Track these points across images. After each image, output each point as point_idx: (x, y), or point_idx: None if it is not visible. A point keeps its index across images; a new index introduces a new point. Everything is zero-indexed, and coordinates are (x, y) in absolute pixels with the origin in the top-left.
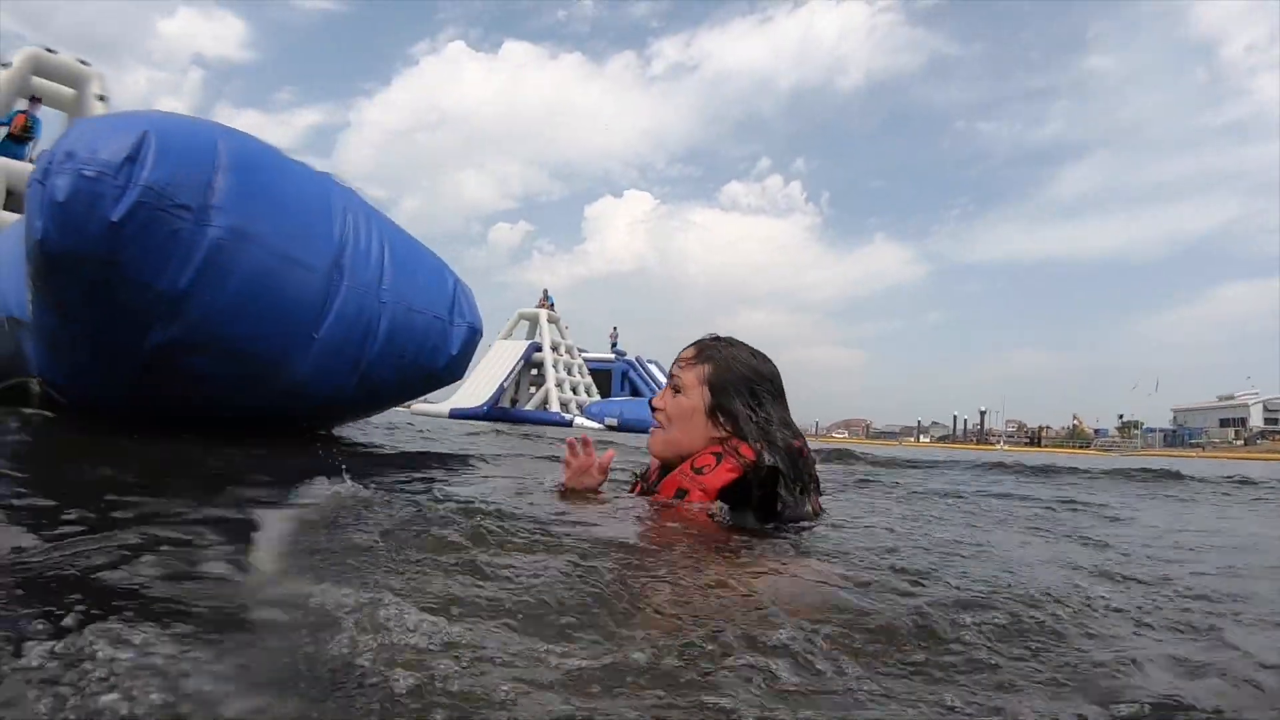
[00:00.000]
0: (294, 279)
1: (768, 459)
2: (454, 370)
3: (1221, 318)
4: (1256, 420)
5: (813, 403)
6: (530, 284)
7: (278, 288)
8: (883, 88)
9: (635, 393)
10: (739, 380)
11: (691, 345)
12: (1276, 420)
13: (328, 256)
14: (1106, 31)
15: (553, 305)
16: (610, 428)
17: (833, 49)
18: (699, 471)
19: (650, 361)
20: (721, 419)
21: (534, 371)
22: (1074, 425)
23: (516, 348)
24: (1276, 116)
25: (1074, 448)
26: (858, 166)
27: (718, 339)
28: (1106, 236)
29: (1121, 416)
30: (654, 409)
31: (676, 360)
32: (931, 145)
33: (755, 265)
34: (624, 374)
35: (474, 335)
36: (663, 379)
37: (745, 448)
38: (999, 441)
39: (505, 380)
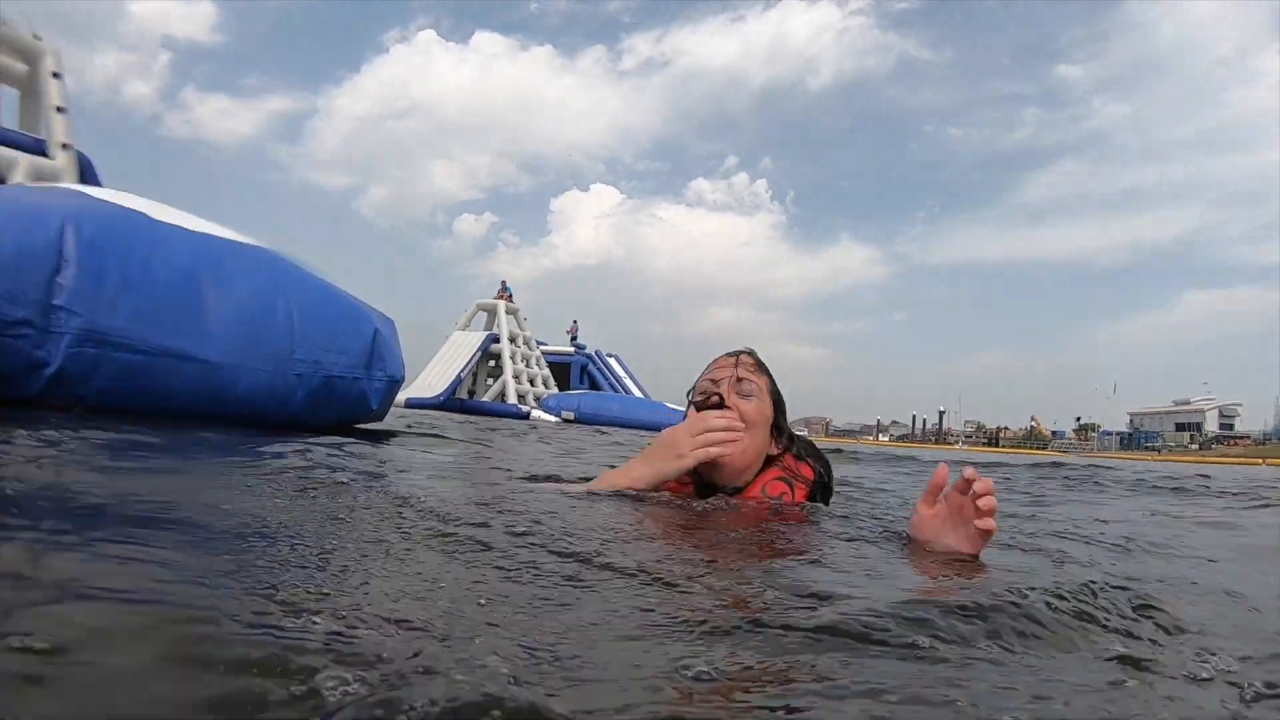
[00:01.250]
0: (175, 372)
1: (821, 472)
2: (376, 418)
3: (1181, 324)
4: (1211, 425)
5: (786, 398)
6: (495, 276)
7: (156, 387)
8: (852, 90)
9: (594, 386)
10: (782, 398)
11: (740, 354)
12: (1231, 425)
13: (217, 338)
14: (1077, 41)
15: (511, 296)
16: (567, 421)
17: (803, 50)
18: (779, 500)
19: (610, 355)
20: (775, 435)
21: (491, 363)
22: (1032, 427)
23: (474, 339)
24: (1243, 130)
25: (1031, 448)
26: (825, 167)
27: (753, 352)
28: (1071, 242)
29: (1079, 419)
30: (721, 408)
31: (734, 365)
32: (899, 148)
33: (721, 262)
34: (583, 367)
35: (394, 385)
36: (622, 373)
37: (804, 467)
38: (957, 441)
39: (462, 371)
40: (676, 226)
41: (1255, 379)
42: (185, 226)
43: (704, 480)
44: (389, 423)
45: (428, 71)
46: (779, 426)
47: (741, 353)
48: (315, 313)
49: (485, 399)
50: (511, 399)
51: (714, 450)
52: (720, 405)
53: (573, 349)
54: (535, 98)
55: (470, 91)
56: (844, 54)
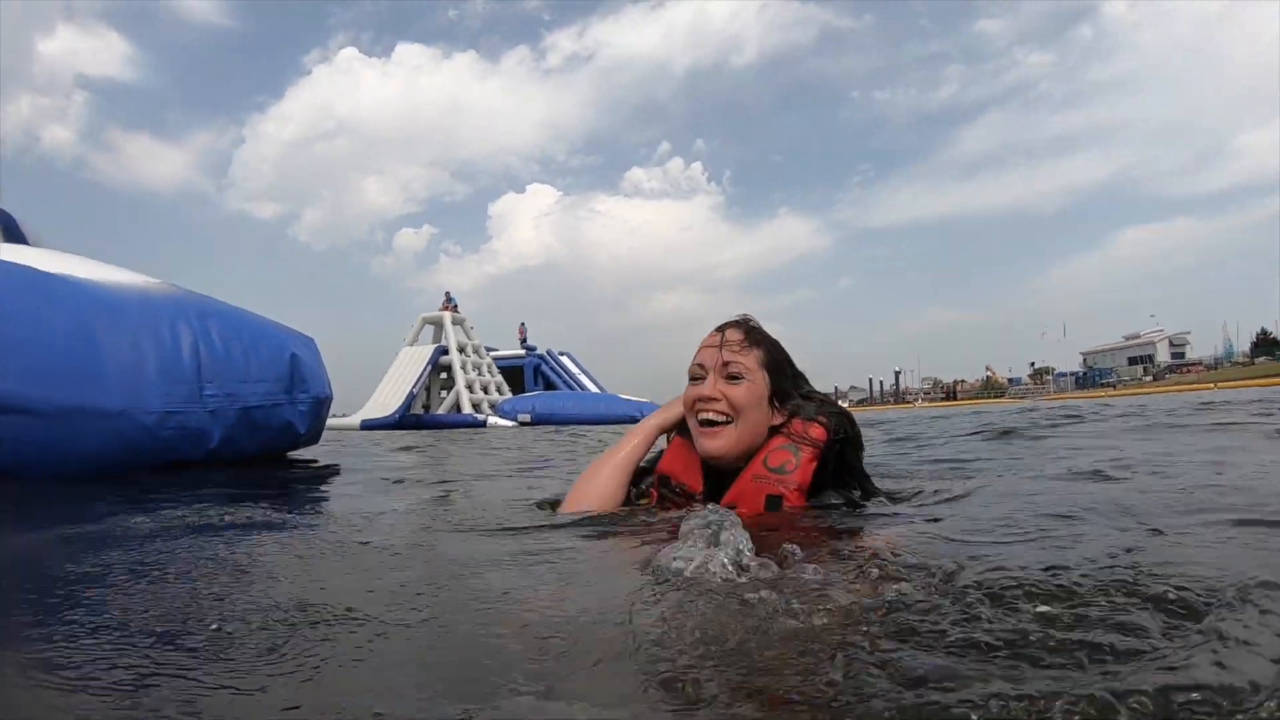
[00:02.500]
0: (77, 428)
1: (836, 429)
2: (309, 441)
3: (1123, 261)
4: (1163, 356)
5: None
6: (440, 288)
7: (58, 446)
8: (777, 64)
9: (549, 386)
10: (786, 361)
11: (729, 328)
12: (1182, 354)
13: (118, 386)
14: None
15: (456, 307)
16: (524, 423)
17: (725, 29)
18: (782, 470)
19: (562, 354)
20: (779, 404)
21: (443, 375)
22: (988, 377)
23: (423, 353)
24: (1163, 67)
25: (989, 398)
26: (757, 143)
27: (747, 320)
28: (1006, 192)
29: (1033, 364)
30: (706, 401)
31: (720, 346)
32: (829, 117)
33: (664, 249)
34: (536, 368)
35: (321, 405)
36: (576, 370)
37: (814, 428)
38: (916, 399)
39: (414, 387)
40: (616, 218)
41: (1201, 306)
42: (76, 275)
43: (709, 466)
44: (326, 452)
45: (352, 89)
46: (781, 394)
47: (729, 325)
48: (224, 344)
49: (440, 412)
50: (466, 409)
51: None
52: (708, 399)
53: (524, 351)
54: (462, 105)
55: (397, 105)
56: (766, 30)
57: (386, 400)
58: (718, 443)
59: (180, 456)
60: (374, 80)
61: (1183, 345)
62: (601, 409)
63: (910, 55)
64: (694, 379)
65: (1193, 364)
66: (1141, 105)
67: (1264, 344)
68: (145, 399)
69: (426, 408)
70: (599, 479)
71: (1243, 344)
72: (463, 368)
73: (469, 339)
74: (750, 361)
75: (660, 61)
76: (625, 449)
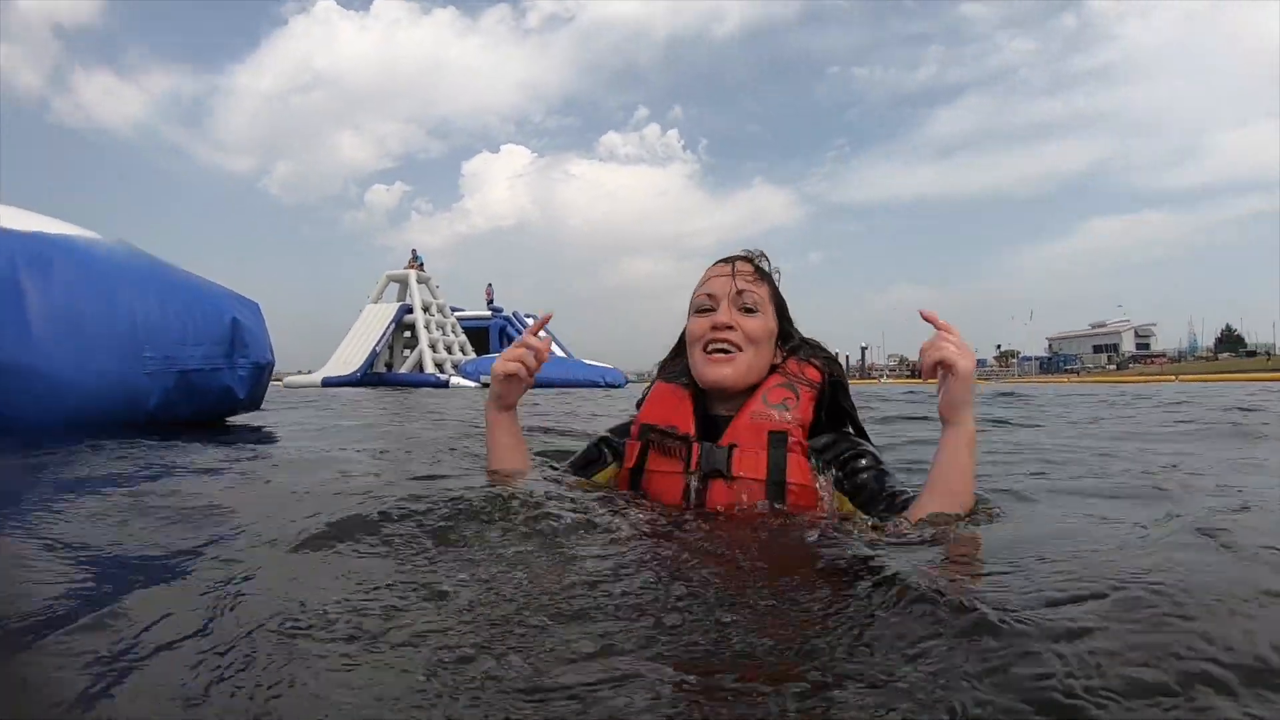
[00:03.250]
0: (7, 390)
1: (828, 371)
2: (249, 406)
3: (1094, 250)
4: (1129, 346)
5: None
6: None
7: None
8: (758, 35)
9: None
10: (784, 302)
11: (738, 260)
12: (1147, 345)
13: (47, 344)
14: None
15: (422, 265)
16: (485, 385)
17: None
18: (783, 406)
19: (528, 316)
20: (780, 343)
21: (407, 334)
22: None
23: (386, 311)
24: (1144, 61)
25: None
26: (734, 113)
27: (752, 254)
28: (981, 175)
29: (999, 346)
30: (721, 329)
31: (731, 275)
32: (807, 91)
33: (636, 215)
34: (501, 330)
35: (261, 371)
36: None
37: (808, 369)
38: (881, 376)
39: (377, 345)
40: (590, 182)
41: (1168, 299)
42: (7, 227)
43: (705, 402)
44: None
45: (330, 42)
46: (784, 333)
47: (739, 258)
48: (163, 306)
49: (403, 370)
50: (429, 368)
51: (510, 366)
52: (723, 327)
53: (490, 312)
54: (440, 61)
55: (374, 59)
56: (748, 2)
57: (349, 357)
58: (727, 370)
59: (115, 419)
60: (352, 33)
61: (1148, 337)
62: (565, 373)
63: (892, 34)
64: (702, 310)
65: (1157, 355)
66: (1121, 97)
67: (1228, 340)
68: (78, 358)
69: (389, 366)
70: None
71: (1208, 339)
72: (426, 327)
73: (434, 298)
74: (763, 294)
75: (641, 26)
76: (497, 435)
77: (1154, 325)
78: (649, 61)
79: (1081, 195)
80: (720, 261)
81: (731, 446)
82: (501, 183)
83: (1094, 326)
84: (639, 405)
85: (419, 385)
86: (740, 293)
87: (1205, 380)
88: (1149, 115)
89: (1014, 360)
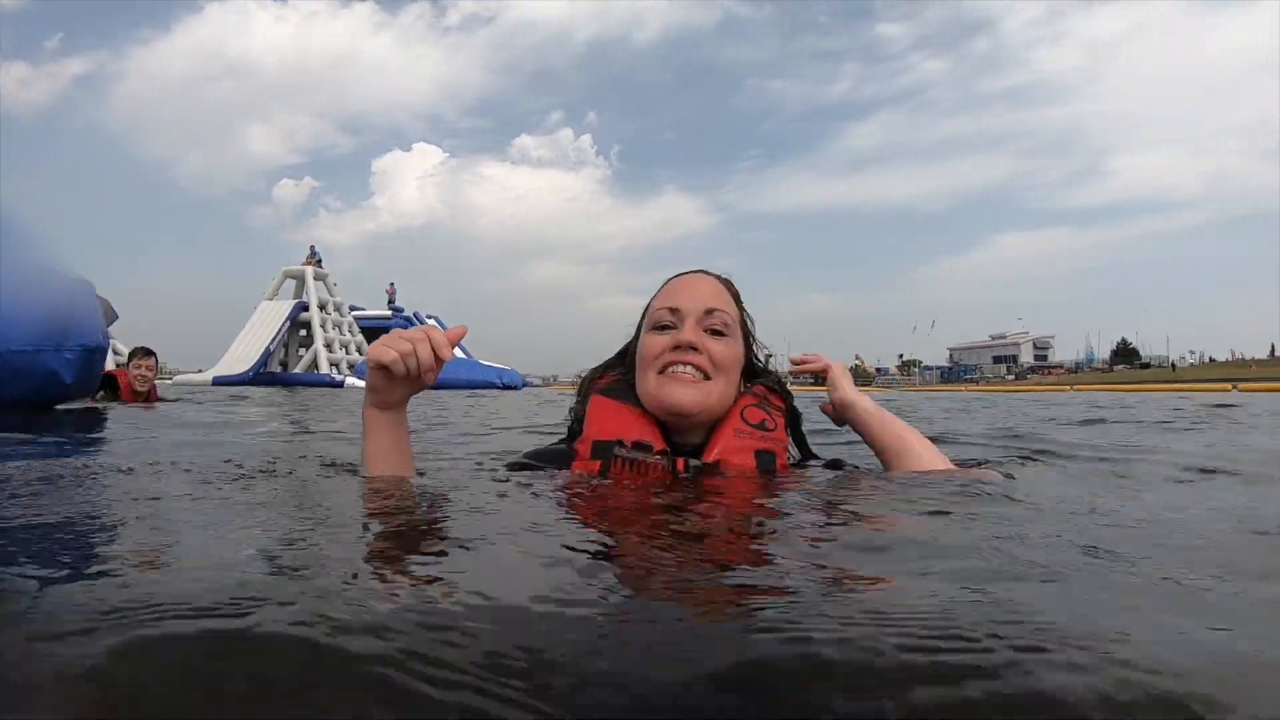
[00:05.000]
0: None
1: (791, 404)
2: (79, 392)
3: (996, 265)
4: (1027, 357)
5: (606, 350)
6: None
7: None
8: (677, 44)
9: None
10: (750, 328)
11: (707, 276)
12: (1045, 357)
13: None
14: (894, 1)
15: (320, 262)
16: None
17: (630, 4)
18: (763, 426)
19: (430, 316)
20: (745, 376)
21: (303, 332)
22: (856, 364)
23: (282, 308)
24: (1052, 85)
25: (858, 385)
26: (650, 120)
27: (719, 275)
28: (891, 189)
29: (901, 356)
30: (687, 348)
31: (695, 289)
32: (723, 101)
33: (546, 218)
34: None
35: (91, 355)
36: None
37: (773, 397)
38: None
39: (271, 343)
40: (501, 184)
41: (1067, 312)
42: None
43: (670, 433)
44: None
45: (245, 30)
46: (750, 366)
47: (701, 271)
48: None
49: (298, 370)
50: (324, 368)
51: (387, 354)
52: (686, 348)
53: (390, 312)
54: (355, 56)
55: (289, 51)
56: (670, 9)
57: (242, 355)
58: (692, 394)
59: None
60: (268, 23)
61: (1046, 348)
62: (462, 374)
63: (809, 49)
64: (661, 326)
65: (1054, 367)
66: (1028, 119)
67: (1123, 353)
68: None
69: (284, 365)
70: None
71: (1104, 352)
72: (322, 325)
73: (331, 296)
74: (734, 317)
75: (562, 29)
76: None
77: (1052, 337)
78: (567, 65)
79: (987, 211)
80: (687, 273)
81: (716, 464)
82: (412, 182)
83: (994, 338)
84: (573, 424)
85: (313, 385)
86: (710, 311)
87: (1098, 389)
88: (1055, 137)
89: (915, 369)
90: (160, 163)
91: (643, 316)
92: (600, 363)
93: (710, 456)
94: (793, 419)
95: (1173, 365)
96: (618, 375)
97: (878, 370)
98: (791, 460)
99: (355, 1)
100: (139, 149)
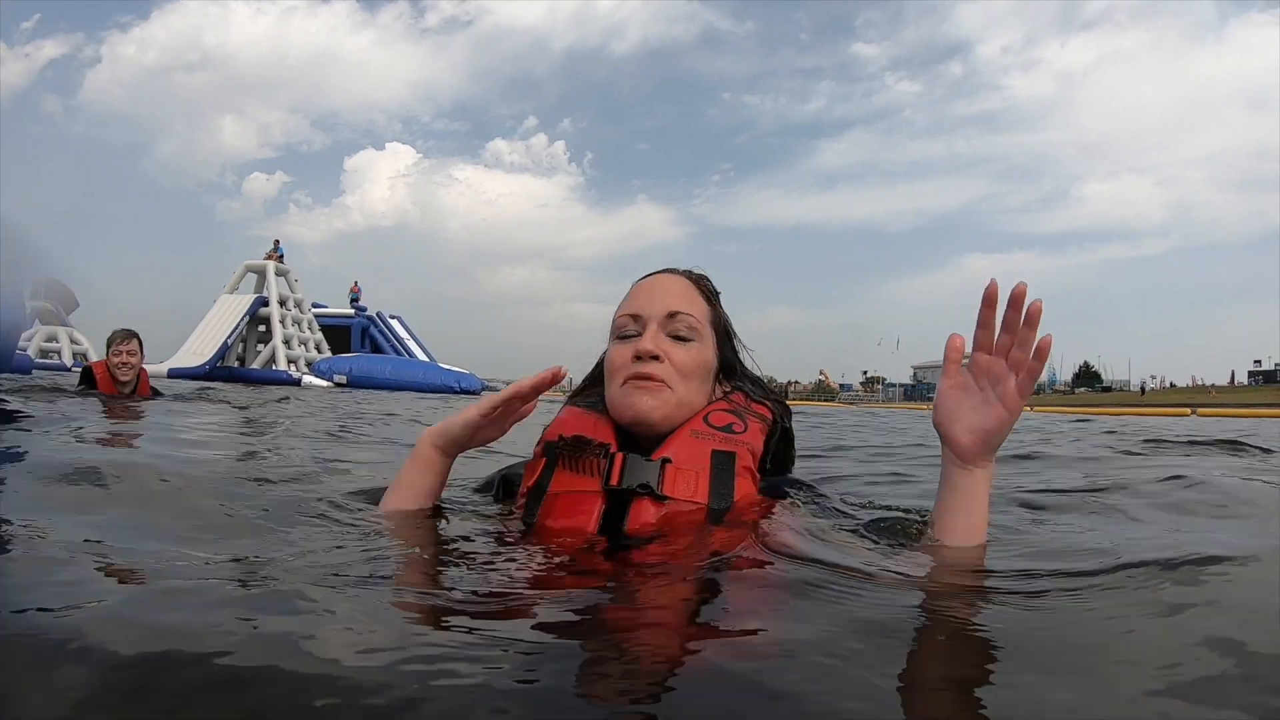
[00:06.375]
0: None
1: (779, 414)
2: None
3: (962, 285)
4: None
5: (572, 357)
6: (287, 237)
7: None
8: (655, 55)
9: (377, 349)
10: (728, 328)
11: (673, 275)
12: None
13: None
14: (873, 21)
15: (282, 257)
16: (339, 385)
17: (609, 14)
18: (729, 430)
19: (393, 317)
20: (722, 377)
21: (261, 327)
22: (820, 380)
23: (242, 302)
24: (1023, 111)
25: (820, 400)
26: (624, 130)
27: (688, 271)
28: (860, 207)
29: (866, 373)
30: (647, 358)
31: (656, 293)
32: (698, 113)
33: (517, 223)
34: (364, 330)
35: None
36: (405, 335)
37: (757, 406)
38: None
39: (229, 337)
40: (473, 187)
41: None
42: None
43: (627, 435)
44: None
45: (223, 21)
46: (728, 367)
47: (669, 271)
48: None
49: (255, 366)
50: (282, 365)
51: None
52: (647, 358)
53: (352, 311)
54: (332, 53)
55: (266, 44)
56: (650, 20)
57: (199, 349)
58: (653, 402)
59: None
60: (246, 15)
61: None
62: (419, 376)
63: (785, 66)
64: (624, 336)
65: None
66: (998, 144)
67: (1085, 376)
68: None
69: (241, 360)
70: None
71: (1066, 374)
72: (281, 321)
73: (292, 292)
74: (700, 317)
75: (541, 36)
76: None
77: None
78: (544, 72)
79: (954, 232)
80: (653, 274)
81: (664, 461)
82: (384, 181)
83: None
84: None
85: (270, 382)
86: (673, 315)
87: (1058, 411)
88: (1025, 162)
89: (879, 386)
90: (130, 150)
91: (612, 326)
92: (585, 377)
93: (659, 454)
94: (783, 439)
95: (1142, 389)
96: (598, 390)
97: (842, 386)
98: (763, 470)
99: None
100: (110, 135)
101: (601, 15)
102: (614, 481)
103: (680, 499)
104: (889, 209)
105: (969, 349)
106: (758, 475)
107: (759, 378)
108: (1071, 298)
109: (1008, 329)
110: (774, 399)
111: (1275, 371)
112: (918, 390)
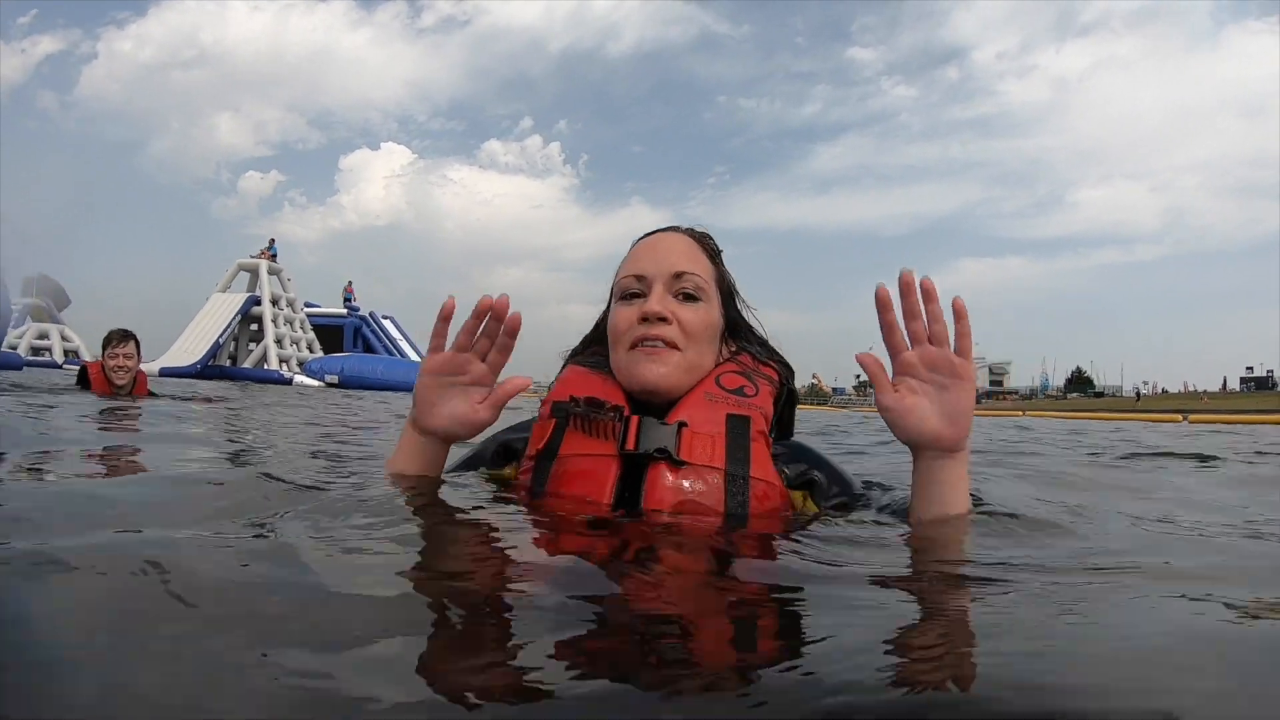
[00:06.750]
0: None
1: (784, 376)
2: None
3: (956, 289)
4: (982, 382)
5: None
6: (281, 236)
7: None
8: (652, 58)
9: (369, 349)
10: (733, 287)
11: (675, 233)
12: (1000, 382)
13: None
14: (870, 26)
15: (275, 256)
16: (330, 385)
17: (606, 15)
18: (740, 392)
19: (385, 317)
20: (728, 337)
21: (253, 326)
22: (813, 384)
23: (234, 301)
24: (1018, 117)
25: (813, 404)
26: (619, 131)
27: (690, 229)
28: (854, 211)
29: (858, 376)
30: (654, 320)
31: (661, 252)
32: (693, 116)
33: (512, 224)
34: (357, 330)
35: None
36: (397, 334)
37: (764, 368)
38: None
39: (221, 336)
40: (468, 187)
41: (1023, 340)
42: None
43: (636, 402)
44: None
45: (219, 18)
46: (734, 326)
47: (672, 229)
48: None
49: (247, 365)
50: (274, 364)
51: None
52: (654, 319)
53: (345, 310)
54: (329, 51)
55: (263, 42)
56: (646, 22)
57: (191, 347)
58: (662, 368)
59: None
60: (243, 13)
61: (1002, 374)
62: (411, 376)
63: (781, 70)
64: (628, 295)
65: (1009, 393)
66: (993, 149)
67: (1077, 381)
68: None
69: (233, 359)
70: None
71: (1059, 379)
72: (273, 321)
73: (284, 291)
74: (706, 276)
75: (537, 37)
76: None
77: (1008, 364)
78: (540, 73)
79: (948, 236)
80: (651, 233)
81: (680, 425)
82: (379, 181)
83: None
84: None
85: (261, 381)
86: (679, 275)
87: (1050, 416)
88: (1019, 167)
89: (872, 390)
90: (126, 146)
91: (614, 287)
92: (583, 339)
93: (674, 418)
94: (788, 398)
95: (1137, 394)
96: (597, 350)
97: (835, 390)
98: (772, 434)
99: None
100: (106, 131)
101: (598, 16)
102: (630, 446)
103: (699, 464)
104: (884, 213)
105: (885, 361)
106: (770, 439)
107: (764, 338)
108: (1064, 303)
109: (913, 316)
110: (779, 360)
111: (1267, 378)
112: None
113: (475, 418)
